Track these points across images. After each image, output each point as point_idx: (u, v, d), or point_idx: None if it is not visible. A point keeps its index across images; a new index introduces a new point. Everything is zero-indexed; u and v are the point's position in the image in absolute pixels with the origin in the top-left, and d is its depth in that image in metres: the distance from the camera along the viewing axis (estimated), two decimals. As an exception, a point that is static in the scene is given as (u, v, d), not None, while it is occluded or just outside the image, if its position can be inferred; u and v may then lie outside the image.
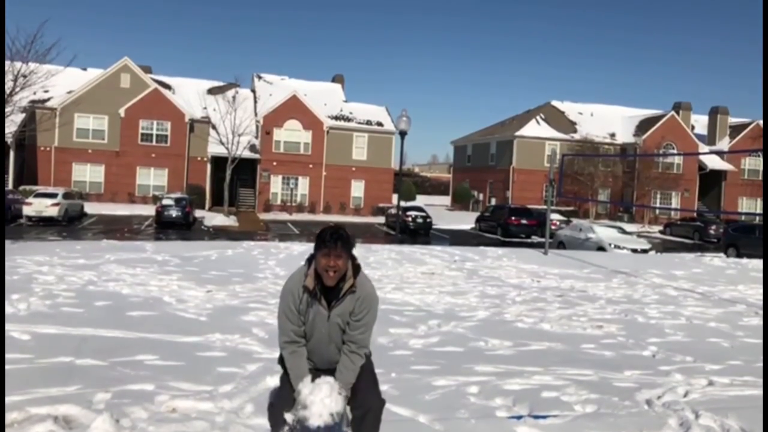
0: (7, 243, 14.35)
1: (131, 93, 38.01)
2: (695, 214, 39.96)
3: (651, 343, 7.24)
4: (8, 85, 21.16)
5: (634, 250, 21.64)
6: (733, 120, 51.83)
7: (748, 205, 49.18)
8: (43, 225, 25.20)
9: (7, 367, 4.81)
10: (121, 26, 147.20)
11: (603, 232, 23.35)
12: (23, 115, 32.06)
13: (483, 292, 10.54)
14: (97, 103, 37.38)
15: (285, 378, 3.36)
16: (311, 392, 3.10)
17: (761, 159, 46.46)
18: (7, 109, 20.92)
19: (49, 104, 36.49)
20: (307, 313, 3.22)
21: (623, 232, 24.59)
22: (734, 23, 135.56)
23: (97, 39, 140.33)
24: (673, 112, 48.65)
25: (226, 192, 34.86)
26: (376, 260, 13.75)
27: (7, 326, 6.24)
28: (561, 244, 23.55)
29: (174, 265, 11.80)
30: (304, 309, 3.22)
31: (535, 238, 30.57)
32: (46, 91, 33.44)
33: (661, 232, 38.95)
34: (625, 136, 49.02)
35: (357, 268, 3.25)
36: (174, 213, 27.33)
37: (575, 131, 48.72)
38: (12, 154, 33.39)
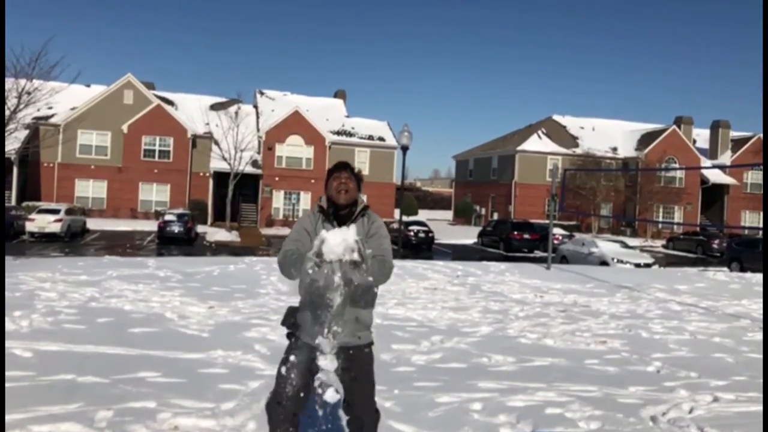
0: (10, 259, 14.37)
1: (134, 109, 38.24)
2: (698, 228, 39.89)
3: (655, 358, 7.19)
4: (12, 102, 21.31)
5: (637, 265, 21.60)
6: (734, 134, 51.91)
7: (751, 219, 49.11)
8: (46, 241, 25.24)
9: (8, 384, 4.80)
10: (126, 43, 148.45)
11: (606, 246, 23.33)
12: (27, 131, 32.23)
13: (486, 307, 10.51)
14: (100, 120, 37.60)
15: (291, 342, 3.34)
16: (329, 234, 2.99)
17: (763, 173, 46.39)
18: (11, 126, 21.04)
19: (52, 121, 36.73)
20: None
21: (626, 246, 24.57)
22: (735, 37, 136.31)
23: (102, 56, 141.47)
24: (674, 126, 48.75)
25: (228, 207, 34.92)
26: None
27: (10, 343, 6.23)
28: (564, 259, 23.52)
29: (176, 281, 11.79)
30: (318, 230, 3.25)
31: (538, 253, 30.54)
32: (50, 108, 33.63)
33: (663, 246, 38.87)
34: (626, 150, 49.08)
35: (365, 207, 3.40)
36: (176, 229, 27.38)
37: (577, 145, 48.81)
38: (15, 170, 33.54)
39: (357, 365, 3.28)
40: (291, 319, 3.35)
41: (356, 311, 3.23)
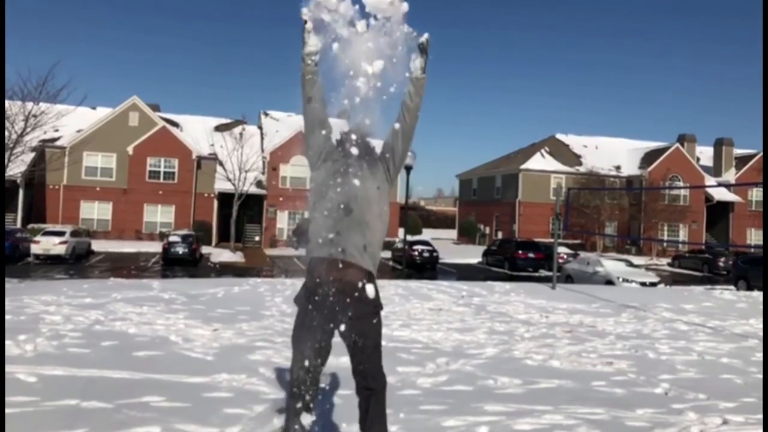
0: (15, 282, 14.39)
1: (140, 131, 38.52)
2: (703, 247, 39.75)
3: (663, 380, 7.12)
4: (19, 125, 21.51)
5: (643, 284, 21.50)
6: (738, 151, 51.93)
7: (757, 237, 48.93)
8: (51, 263, 25.30)
9: (12, 410, 4.78)
10: (132, 66, 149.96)
11: (611, 265, 23.24)
12: (33, 154, 32.46)
13: (491, 328, 10.45)
14: (105, 142, 37.87)
15: (303, 306, 3.36)
16: None
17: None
18: (18, 149, 21.20)
19: (58, 143, 37.01)
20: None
21: (631, 265, 24.48)
22: (737, 54, 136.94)
23: (108, 79, 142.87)
24: (677, 144, 48.81)
25: (232, 228, 35.00)
26: (383, 296, 13.56)
27: (14, 368, 6.21)
28: (569, 278, 23.43)
29: (180, 303, 11.77)
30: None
31: (543, 272, 30.47)
32: (56, 131, 33.91)
33: (669, 264, 38.73)
34: (630, 168, 49.11)
35: None
36: (180, 250, 27.44)
37: (580, 164, 48.88)
38: (21, 192, 33.71)
39: (364, 330, 3.32)
40: (302, 233, 3.47)
41: (365, 236, 3.29)
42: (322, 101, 3.51)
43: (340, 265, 3.23)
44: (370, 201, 3.32)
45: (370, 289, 3.35)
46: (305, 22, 3.26)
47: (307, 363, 3.26)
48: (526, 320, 11.53)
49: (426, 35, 3.28)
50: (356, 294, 3.27)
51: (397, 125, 3.47)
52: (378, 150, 3.55)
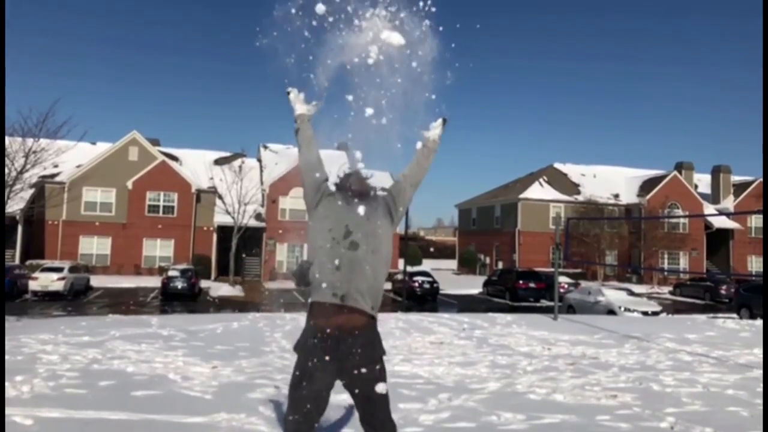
0: (12, 320, 14.29)
1: (139, 165, 38.67)
2: (704, 275, 39.63)
3: (668, 413, 7.02)
4: (19, 162, 21.60)
5: (645, 313, 21.37)
6: (736, 178, 52.11)
7: (758, 264, 48.80)
8: (49, 300, 25.15)
9: (7, 456, 4.69)
10: (132, 101, 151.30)
11: (612, 294, 23.14)
12: (32, 190, 32.54)
13: (493, 361, 10.34)
14: (105, 177, 37.99)
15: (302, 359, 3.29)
16: None
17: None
18: (17, 186, 21.25)
19: (58, 179, 37.12)
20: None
21: (632, 294, 24.37)
22: (733, 82, 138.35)
23: (108, 114, 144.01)
24: (675, 172, 49.02)
25: (231, 261, 34.89)
26: (383, 330, 13.45)
27: (11, 410, 6.12)
28: (570, 308, 23.31)
29: (179, 339, 11.67)
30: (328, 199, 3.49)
31: (544, 302, 30.33)
32: (56, 166, 34.08)
33: (670, 292, 38.56)
34: (628, 196, 49.23)
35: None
36: (179, 284, 27.33)
37: (579, 193, 49.01)
38: (20, 229, 33.68)
39: (369, 379, 3.25)
40: (302, 273, 3.35)
41: (367, 278, 3.26)
42: (315, 152, 3.69)
43: (343, 311, 3.20)
44: (371, 238, 3.31)
45: (373, 335, 3.32)
46: (288, 93, 3.65)
47: (302, 416, 3.20)
48: (529, 353, 11.43)
49: (447, 116, 3.64)
50: (359, 341, 3.23)
51: (407, 172, 3.63)
52: (376, 189, 3.58)
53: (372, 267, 3.27)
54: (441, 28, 3.72)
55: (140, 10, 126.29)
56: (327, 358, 3.17)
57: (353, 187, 3.45)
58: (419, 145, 3.64)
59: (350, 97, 3.82)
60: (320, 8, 3.61)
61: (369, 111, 3.70)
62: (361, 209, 3.35)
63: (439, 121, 3.64)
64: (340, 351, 3.17)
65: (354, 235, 3.28)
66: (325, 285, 3.21)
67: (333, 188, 3.56)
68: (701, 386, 8.71)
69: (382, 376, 3.35)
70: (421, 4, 3.70)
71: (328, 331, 3.18)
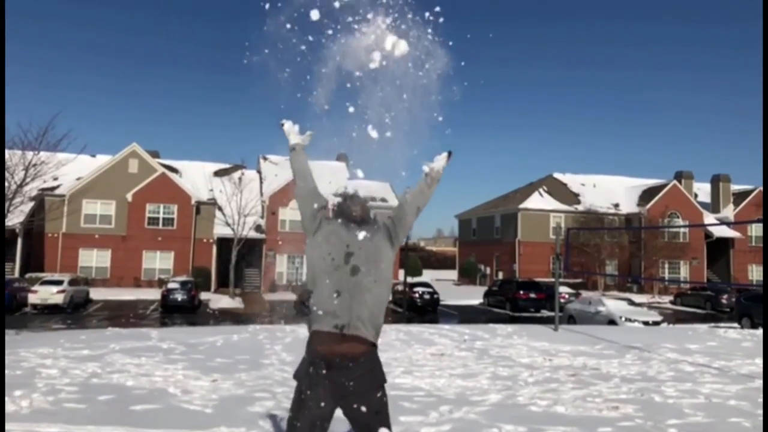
0: (11, 334, 14.24)
1: (139, 178, 38.69)
2: (705, 283, 39.57)
3: (670, 425, 6.99)
4: (20, 175, 21.62)
5: (646, 323, 21.32)
6: (735, 187, 52.14)
7: (758, 273, 48.72)
8: (48, 313, 25.08)
9: (5, 472, 4.66)
10: (132, 113, 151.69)
11: (613, 305, 23.09)
12: (32, 203, 32.54)
13: (494, 373, 10.30)
14: (105, 189, 38.00)
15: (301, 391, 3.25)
16: None
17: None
18: (17, 199, 21.26)
19: (58, 191, 37.13)
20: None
21: (633, 303, 24.32)
22: (732, 91, 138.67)
23: (108, 126, 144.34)
24: (675, 181, 49.07)
25: (231, 273, 34.84)
26: (383, 342, 13.53)
27: (10, 426, 6.09)
28: (571, 319, 23.25)
29: (179, 353, 11.64)
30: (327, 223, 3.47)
31: (545, 312, 30.27)
32: (56, 179, 34.09)
33: (671, 302, 38.48)
34: (628, 206, 49.25)
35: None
36: (179, 297, 27.28)
37: (579, 202, 49.03)
38: (19, 242, 33.65)
39: (370, 407, 3.19)
40: (303, 302, 3.34)
41: (367, 305, 3.24)
42: (311, 182, 3.72)
43: (343, 339, 3.17)
44: (372, 263, 3.29)
45: (374, 362, 3.29)
46: (282, 125, 3.75)
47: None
48: (530, 364, 11.39)
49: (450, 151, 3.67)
50: (360, 368, 3.20)
51: (409, 199, 3.60)
52: (373, 212, 3.60)
53: (373, 294, 3.26)
54: (451, 43, 3.76)
55: (139, 21, 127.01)
56: (326, 386, 3.14)
57: (352, 212, 3.45)
58: (426, 168, 3.63)
59: (351, 109, 3.84)
60: (315, 14, 3.65)
61: (371, 128, 3.72)
62: (361, 233, 3.34)
63: (444, 154, 3.65)
64: (340, 379, 3.14)
65: (354, 258, 3.26)
66: (326, 313, 3.19)
67: (331, 214, 3.56)
68: (703, 397, 8.67)
69: (383, 406, 3.29)
70: (425, 14, 3.73)
71: (329, 359, 3.16)
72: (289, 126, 3.78)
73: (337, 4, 3.70)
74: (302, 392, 3.23)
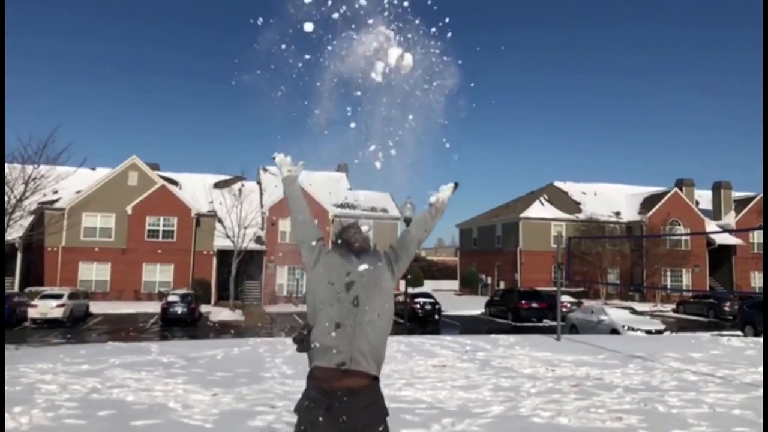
0: (11, 349, 14.18)
1: (139, 190, 38.68)
2: (708, 291, 39.47)
3: (675, 436, 6.92)
4: (19, 190, 21.61)
5: (649, 332, 21.23)
6: (736, 194, 52.11)
7: (761, 280, 48.58)
8: (48, 327, 24.99)
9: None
10: (132, 124, 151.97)
11: (615, 313, 23.00)
12: (32, 217, 32.49)
13: (496, 384, 10.23)
14: (105, 202, 37.98)
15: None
16: None
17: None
18: (17, 214, 21.23)
19: (57, 205, 37.11)
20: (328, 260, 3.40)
21: (635, 312, 24.24)
22: (732, 98, 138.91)
23: (108, 135, 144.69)
24: (676, 189, 49.06)
25: (231, 285, 34.76)
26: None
27: (6, 443, 6.03)
28: (573, 328, 23.16)
29: (179, 366, 11.57)
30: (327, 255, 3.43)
31: (547, 322, 30.16)
32: (55, 192, 34.08)
33: (674, 310, 38.37)
34: (630, 214, 49.20)
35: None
36: (179, 310, 27.20)
37: (580, 211, 48.99)
38: (19, 256, 33.60)
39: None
40: (303, 338, 3.25)
41: (369, 339, 3.18)
42: (307, 214, 3.67)
43: (345, 374, 3.12)
44: (373, 295, 3.24)
45: (376, 395, 3.24)
46: (273, 158, 3.78)
47: None
48: (532, 374, 11.32)
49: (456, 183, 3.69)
50: (361, 401, 3.15)
51: (413, 229, 3.60)
52: (373, 242, 3.57)
53: (374, 326, 3.20)
54: (460, 62, 3.75)
55: (138, 32, 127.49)
56: (327, 422, 3.09)
57: (353, 242, 3.40)
58: (431, 199, 3.61)
59: (353, 125, 3.83)
60: (308, 26, 3.65)
61: (374, 147, 3.74)
62: (362, 264, 3.30)
63: (451, 185, 3.65)
64: (342, 414, 3.10)
65: (355, 288, 3.22)
66: (326, 348, 3.14)
67: (330, 245, 3.51)
68: (707, 407, 8.60)
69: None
70: (431, 29, 3.73)
71: (330, 395, 3.11)
72: (280, 158, 3.77)
73: (336, 16, 3.70)
74: (302, 426, 3.19)
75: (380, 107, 3.82)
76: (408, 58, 3.72)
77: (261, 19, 3.81)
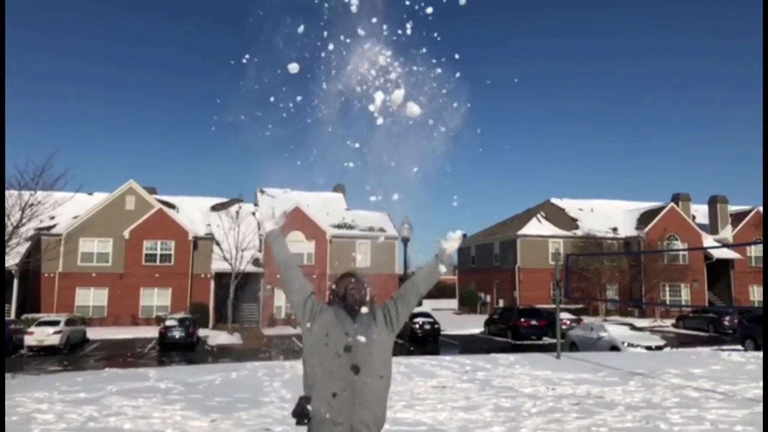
0: (8, 378, 14.05)
1: (136, 214, 38.62)
2: (706, 305, 39.38)
3: (677, 455, 6.86)
4: (16, 216, 21.56)
5: (649, 348, 21.13)
6: (733, 208, 52.22)
7: (759, 293, 48.53)
8: (45, 354, 24.79)
9: None
10: (128, 148, 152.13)
11: (615, 330, 22.91)
12: (28, 243, 32.38)
13: (497, 404, 10.17)
14: (102, 227, 37.89)
15: None
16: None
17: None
18: (13, 241, 21.15)
19: (54, 230, 37.01)
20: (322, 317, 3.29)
21: (635, 328, 24.14)
22: (727, 111, 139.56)
23: (105, 163, 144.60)
24: (672, 204, 49.17)
25: (229, 309, 34.59)
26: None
27: (1, 475, 5.96)
28: (573, 345, 23.06)
29: (177, 392, 11.48)
30: (320, 311, 3.32)
31: (547, 339, 30.03)
32: (52, 218, 34.01)
33: (673, 325, 38.24)
34: (627, 229, 49.25)
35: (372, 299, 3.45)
36: (177, 334, 27.03)
37: (577, 227, 49.02)
38: (15, 282, 33.43)
39: None
40: (302, 410, 3.13)
41: (369, 407, 3.09)
42: (296, 269, 3.57)
43: None
44: (371, 355, 3.15)
45: None
46: (253, 214, 3.67)
47: None
48: (533, 394, 11.25)
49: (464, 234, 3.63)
50: None
51: (417, 282, 3.53)
52: (370, 292, 3.42)
53: (374, 393, 3.12)
54: (469, 105, 3.79)
55: (133, 54, 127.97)
56: None
57: (351, 296, 3.30)
58: (438, 249, 3.57)
59: (356, 145, 3.87)
60: (293, 67, 3.68)
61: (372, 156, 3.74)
62: (360, 327, 3.19)
63: (459, 234, 3.58)
64: None
65: (354, 354, 3.12)
66: (327, 418, 3.04)
67: (327, 300, 3.41)
68: (709, 423, 8.55)
69: None
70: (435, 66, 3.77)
71: None
72: (260, 215, 3.76)
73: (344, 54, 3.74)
74: None
75: (380, 142, 3.84)
76: (413, 106, 3.73)
77: (246, 57, 3.86)
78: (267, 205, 4.29)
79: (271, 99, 3.74)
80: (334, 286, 3.41)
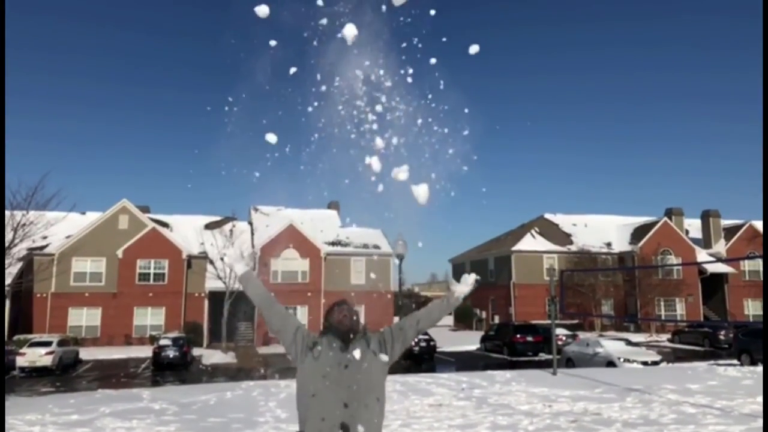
0: (-1, 400, 13.86)
1: (129, 234, 38.48)
2: (702, 320, 39.38)
3: (676, 472, 6.81)
4: (8, 237, 21.45)
5: (645, 363, 21.09)
6: (725, 222, 52.45)
7: (754, 307, 48.63)
8: (37, 376, 24.53)
9: None
10: (122, 168, 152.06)
11: (611, 345, 22.88)
12: (20, 263, 32.16)
13: (494, 422, 10.09)
14: (95, 246, 37.71)
15: None
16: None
17: (761, 260, 46.42)
18: (6, 261, 21.02)
19: (47, 250, 36.80)
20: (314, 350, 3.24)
21: (631, 343, 24.11)
22: (721, 125, 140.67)
23: (98, 177, 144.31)
24: (665, 218, 49.38)
25: (223, 328, 34.37)
26: (380, 393, 13.26)
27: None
28: (569, 361, 23.00)
29: (171, 413, 11.35)
30: (306, 340, 3.31)
31: (543, 355, 29.93)
32: (45, 238, 33.81)
33: (669, 340, 38.21)
34: (621, 244, 49.37)
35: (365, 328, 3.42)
36: (171, 353, 26.82)
37: (571, 242, 49.13)
38: (7, 303, 33.16)
39: None
40: None
41: (367, 430, 3.06)
42: (275, 307, 3.56)
43: None
44: (367, 386, 3.12)
45: None
46: (221, 258, 3.78)
47: None
48: (529, 411, 11.18)
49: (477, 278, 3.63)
50: None
51: (420, 320, 3.49)
52: (361, 322, 3.40)
53: (368, 420, 3.08)
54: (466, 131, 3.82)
55: (126, 73, 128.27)
56: None
57: (342, 325, 3.26)
58: (448, 290, 3.56)
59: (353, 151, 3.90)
60: (271, 138, 3.73)
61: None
62: (353, 354, 3.17)
63: (472, 278, 3.56)
64: None
65: (348, 378, 3.09)
66: None
67: (318, 333, 3.37)
68: (708, 440, 8.50)
69: None
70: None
71: None
72: (229, 258, 3.73)
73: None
74: None
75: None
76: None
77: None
78: (235, 247, 4.32)
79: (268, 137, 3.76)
80: (325, 320, 3.37)
